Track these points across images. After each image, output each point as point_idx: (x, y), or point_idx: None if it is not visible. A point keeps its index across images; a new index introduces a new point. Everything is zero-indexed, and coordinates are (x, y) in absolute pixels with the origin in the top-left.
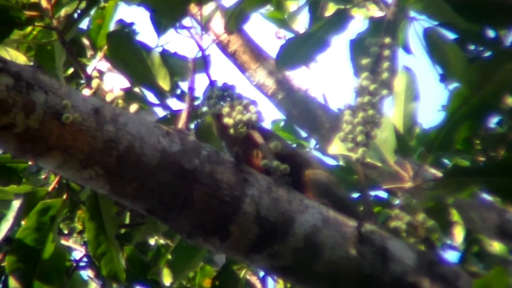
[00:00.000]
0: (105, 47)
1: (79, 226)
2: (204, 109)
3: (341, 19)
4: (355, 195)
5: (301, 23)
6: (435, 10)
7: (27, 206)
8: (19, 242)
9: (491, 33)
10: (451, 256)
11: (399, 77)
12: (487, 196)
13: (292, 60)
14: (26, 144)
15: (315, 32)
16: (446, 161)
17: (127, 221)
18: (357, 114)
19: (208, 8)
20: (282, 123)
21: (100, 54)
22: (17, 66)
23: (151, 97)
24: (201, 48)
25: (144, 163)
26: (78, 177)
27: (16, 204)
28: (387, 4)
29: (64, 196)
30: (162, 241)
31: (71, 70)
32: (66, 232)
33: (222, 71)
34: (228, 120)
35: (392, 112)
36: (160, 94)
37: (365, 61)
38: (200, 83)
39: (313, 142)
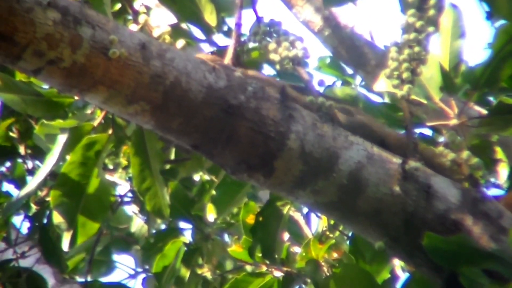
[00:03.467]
0: None
1: (124, 161)
2: (251, 45)
3: None
4: (400, 131)
5: None
6: None
7: (72, 141)
8: (64, 176)
9: None
10: (495, 193)
11: (446, 14)
12: None
13: None
14: (72, 79)
15: None
16: (491, 98)
17: (172, 156)
18: (403, 51)
19: None
20: (328, 60)
21: None
22: (64, 1)
23: (198, 33)
24: None
25: (190, 99)
26: (124, 112)
27: (61, 138)
28: None
29: (110, 131)
30: (206, 177)
31: (118, 6)
32: (111, 167)
33: (269, 7)
34: (274, 56)
35: (438, 49)
36: (207, 30)
37: None
38: (247, 19)
39: (359, 79)
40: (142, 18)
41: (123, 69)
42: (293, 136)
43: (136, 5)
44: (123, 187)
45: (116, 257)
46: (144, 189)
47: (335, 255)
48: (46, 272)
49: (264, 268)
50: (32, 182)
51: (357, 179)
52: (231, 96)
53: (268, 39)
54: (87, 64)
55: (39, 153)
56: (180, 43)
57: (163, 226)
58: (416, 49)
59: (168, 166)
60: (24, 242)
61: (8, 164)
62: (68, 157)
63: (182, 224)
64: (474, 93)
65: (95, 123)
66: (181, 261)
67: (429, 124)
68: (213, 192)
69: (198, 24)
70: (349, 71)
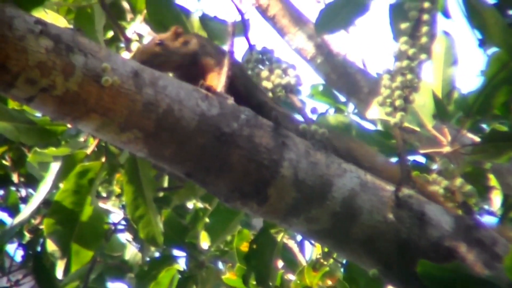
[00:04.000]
0: (145, 11)
1: (117, 189)
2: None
3: None
4: (393, 159)
5: None
6: None
7: (65, 169)
8: (57, 204)
9: None
10: (489, 221)
11: (438, 41)
12: None
13: (332, 24)
14: (65, 107)
15: None
16: (484, 126)
17: (166, 184)
18: (396, 78)
19: None
20: (321, 87)
21: (139, 17)
22: (57, 29)
23: None
24: (240, 12)
25: (182, 126)
26: (117, 140)
27: (55, 166)
28: None
29: (103, 159)
30: (200, 205)
31: (110, 33)
32: (104, 195)
33: (261, 35)
34: (267, 84)
35: (431, 77)
36: None
37: (404, 26)
38: (239, 47)
39: (351, 107)
40: (134, 46)
41: (116, 97)
42: (286, 164)
43: (129, 33)
44: (116, 215)
45: (110, 285)
46: (137, 217)
47: (329, 282)
48: None
49: None
50: (26, 210)
51: (350, 206)
52: (224, 124)
53: (261, 66)
54: (79, 91)
55: (32, 181)
56: None
57: (157, 254)
58: (409, 76)
59: (161, 194)
60: (18, 270)
61: (1, 192)
62: (61, 185)
63: (176, 252)
64: (467, 120)
65: (88, 151)
66: None
67: (422, 151)
68: (207, 219)
69: None
70: (342, 98)
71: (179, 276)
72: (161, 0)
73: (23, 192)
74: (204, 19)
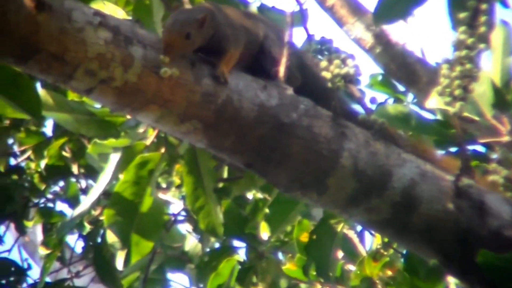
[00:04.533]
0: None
1: (177, 180)
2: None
3: None
4: (453, 149)
5: None
6: None
7: (125, 160)
8: (117, 195)
9: None
10: None
11: (497, 31)
12: None
13: (390, 14)
14: (124, 98)
15: None
16: None
17: (225, 175)
18: (455, 68)
19: None
20: (379, 77)
21: None
22: (115, 20)
23: None
24: (298, 2)
25: (242, 117)
26: (176, 131)
27: (114, 157)
28: None
29: (162, 150)
30: (259, 195)
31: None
32: (164, 186)
33: (320, 25)
34: (325, 74)
35: (490, 66)
36: None
37: (462, 15)
38: (298, 37)
39: (410, 96)
40: None
41: (174, 88)
42: (346, 154)
43: None
44: (176, 206)
45: (170, 275)
46: (197, 208)
47: (389, 273)
48: None
49: (318, 286)
50: (86, 202)
51: (410, 196)
52: (283, 114)
53: (320, 56)
54: (138, 83)
55: (92, 173)
56: None
57: (217, 245)
58: (468, 66)
59: (221, 185)
60: (79, 262)
61: (61, 183)
62: (121, 176)
63: (236, 243)
64: None
65: (148, 142)
66: (236, 279)
67: (481, 141)
68: (267, 210)
69: None
70: (401, 88)
71: (239, 266)
72: None
73: (83, 184)
74: (262, 9)
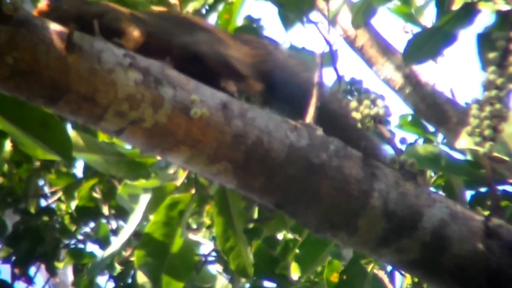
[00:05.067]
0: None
1: (207, 221)
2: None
3: (468, 13)
4: (483, 189)
5: (428, 17)
6: None
7: (155, 201)
8: (148, 236)
9: None
10: None
11: None
12: None
13: (419, 55)
14: (154, 139)
15: (442, 26)
16: None
17: (255, 215)
18: (485, 108)
19: (335, 2)
20: (409, 118)
21: None
22: (145, 61)
23: None
24: (328, 43)
25: (272, 158)
26: (206, 171)
27: (144, 198)
28: None
29: (193, 191)
30: (290, 236)
31: None
32: (194, 226)
33: (349, 65)
34: (355, 114)
35: None
36: None
37: (492, 55)
38: (328, 77)
39: (440, 137)
40: None
41: (204, 129)
42: (376, 195)
43: None
44: (207, 246)
45: None
46: (228, 248)
47: None
48: None
49: None
50: (116, 242)
51: (440, 237)
52: (313, 155)
53: (349, 97)
54: (168, 124)
55: (122, 213)
56: None
57: (247, 285)
58: (497, 106)
59: (251, 225)
60: None
61: (92, 224)
62: (151, 217)
63: (267, 283)
64: None
65: (178, 182)
66: None
67: (511, 181)
68: (297, 250)
69: None
70: (431, 128)
71: None
72: (249, 32)
73: (113, 224)
74: (292, 49)
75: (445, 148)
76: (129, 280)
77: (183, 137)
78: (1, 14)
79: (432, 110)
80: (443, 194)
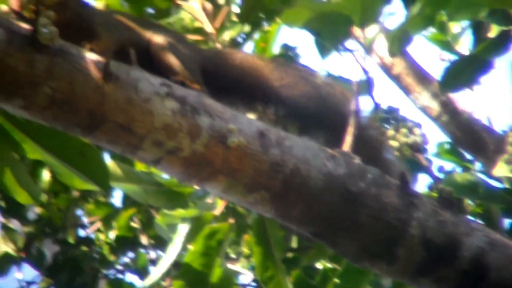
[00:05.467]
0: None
1: (246, 250)
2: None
3: (504, 40)
4: None
5: (465, 44)
6: None
7: (194, 231)
8: (187, 266)
9: None
10: None
11: None
12: None
13: (456, 82)
14: (192, 168)
15: (479, 53)
16: None
17: (294, 245)
18: None
19: (371, 30)
20: (446, 146)
21: None
22: (182, 90)
23: None
24: (364, 71)
25: (309, 186)
26: (244, 201)
27: (183, 228)
28: None
29: (231, 220)
30: (329, 265)
31: None
32: (233, 256)
33: (386, 93)
34: (393, 143)
35: None
36: None
37: None
38: (365, 105)
39: (478, 165)
40: None
41: (242, 158)
42: (414, 223)
43: None
44: (246, 276)
45: None
46: (267, 278)
47: None
48: None
49: None
50: (155, 272)
51: (479, 265)
52: (351, 183)
53: (386, 125)
54: (206, 153)
55: (161, 243)
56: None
57: None
58: None
59: (290, 255)
60: None
61: (131, 254)
62: (190, 247)
63: None
64: None
65: (216, 212)
66: None
67: None
68: (336, 280)
69: None
70: (468, 156)
71: None
72: (286, 60)
73: (152, 254)
74: (329, 77)
75: (483, 176)
76: None
77: (221, 166)
78: (38, 44)
79: (469, 138)
80: (481, 223)
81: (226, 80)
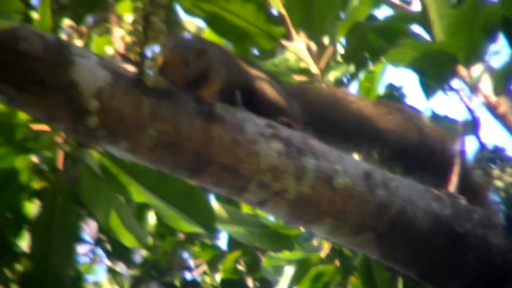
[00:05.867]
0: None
1: None
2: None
3: None
4: None
5: None
6: None
7: (300, 273)
8: None
9: None
10: None
11: None
12: None
13: None
14: (297, 210)
15: None
16: None
17: (400, 287)
18: None
19: (476, 69)
20: None
21: None
22: (287, 132)
23: None
24: (470, 110)
25: (415, 227)
26: (350, 242)
27: (289, 270)
28: None
29: (337, 262)
30: None
31: None
32: None
33: (492, 133)
34: (498, 183)
35: None
36: None
37: None
38: (470, 145)
39: None
40: None
41: (348, 199)
42: None
43: None
44: None
45: None
46: None
47: None
48: None
49: None
50: None
51: None
52: (457, 224)
53: (492, 165)
54: (311, 194)
55: (267, 286)
56: None
57: None
58: None
59: None
60: None
61: None
62: None
63: None
64: None
65: (322, 254)
66: None
67: None
68: None
69: None
70: None
71: None
72: (391, 100)
73: None
74: (434, 117)
75: None
76: None
77: (326, 208)
78: (144, 86)
79: None
80: None
81: (331, 122)
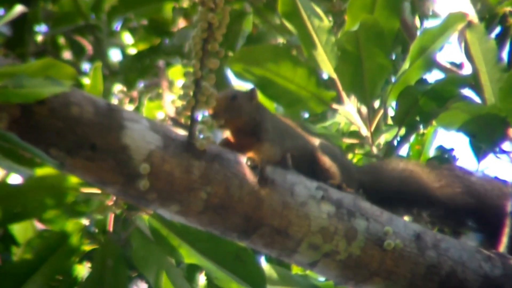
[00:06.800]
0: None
1: None
2: None
3: None
4: None
5: None
6: None
7: None
8: None
9: None
10: None
11: None
12: None
13: None
14: (348, 271)
15: None
16: None
17: None
18: None
19: None
20: None
21: None
22: (337, 194)
23: None
24: None
25: None
26: None
27: None
28: None
29: None
30: None
31: None
32: None
33: None
34: None
35: None
36: None
37: None
38: None
39: None
40: None
41: (398, 260)
42: None
43: None
44: None
45: None
46: None
47: None
48: None
49: None
50: None
51: None
52: (507, 285)
53: None
54: (362, 256)
55: None
56: None
57: None
58: None
59: None
60: None
61: None
62: None
63: None
64: None
65: None
66: None
67: None
68: None
69: None
70: None
71: None
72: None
73: None
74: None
75: None
76: None
77: (377, 269)
78: (194, 150)
79: None
80: None
81: (383, 191)
